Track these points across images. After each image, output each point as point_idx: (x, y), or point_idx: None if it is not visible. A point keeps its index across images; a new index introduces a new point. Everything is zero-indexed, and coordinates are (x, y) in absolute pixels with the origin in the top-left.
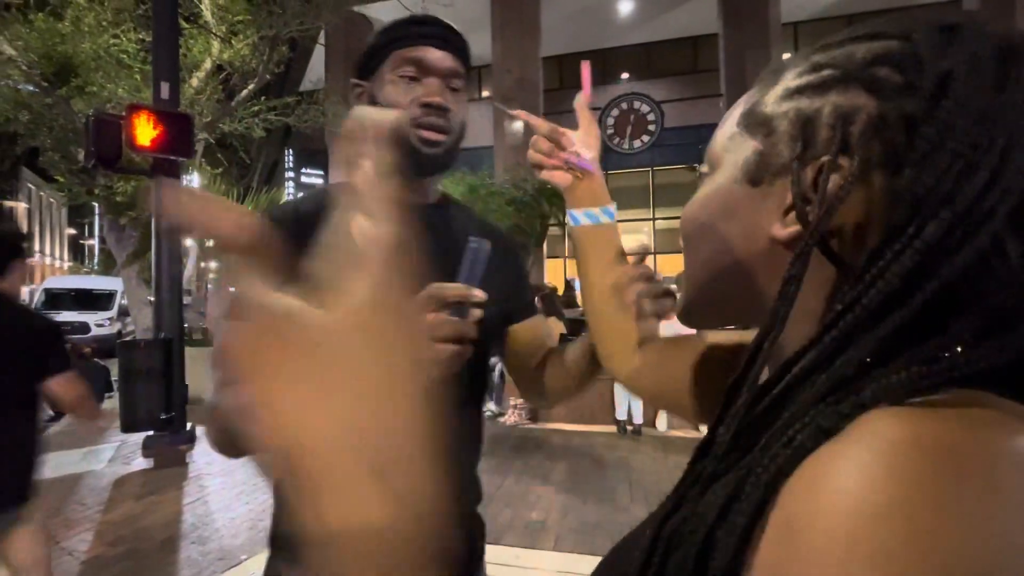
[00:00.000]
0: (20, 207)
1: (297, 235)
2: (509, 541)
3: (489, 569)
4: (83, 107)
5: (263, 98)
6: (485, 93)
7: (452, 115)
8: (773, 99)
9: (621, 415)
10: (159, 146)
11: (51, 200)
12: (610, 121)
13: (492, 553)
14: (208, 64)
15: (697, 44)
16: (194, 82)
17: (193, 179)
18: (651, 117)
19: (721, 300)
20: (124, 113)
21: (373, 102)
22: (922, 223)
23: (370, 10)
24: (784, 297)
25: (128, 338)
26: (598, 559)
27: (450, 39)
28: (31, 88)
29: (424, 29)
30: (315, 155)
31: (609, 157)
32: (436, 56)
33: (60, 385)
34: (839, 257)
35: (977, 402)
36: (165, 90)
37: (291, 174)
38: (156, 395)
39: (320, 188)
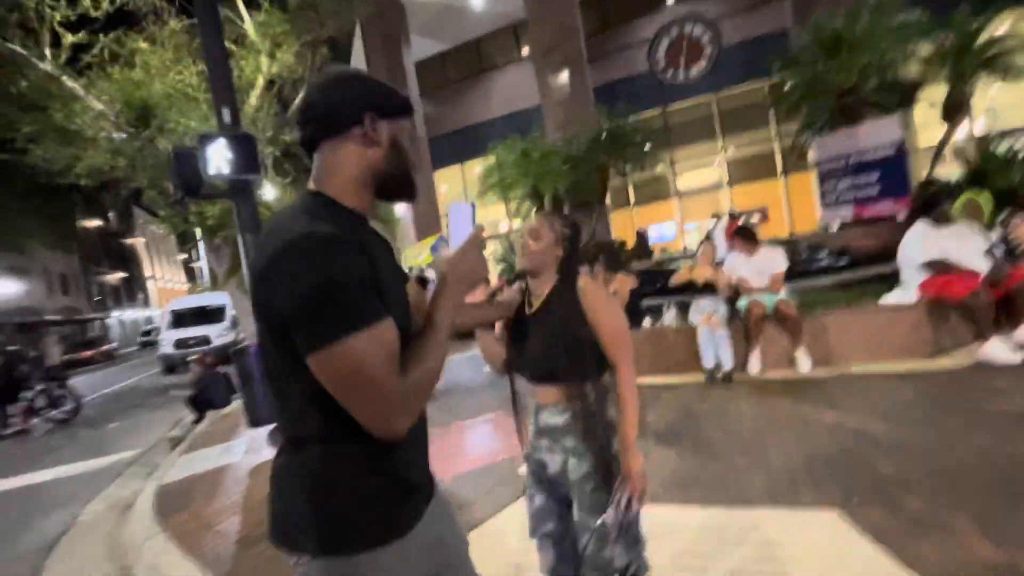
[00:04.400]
0: (139, 242)
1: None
2: None
3: None
4: (167, 144)
5: None
6: (525, 51)
7: None
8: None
9: (708, 363)
10: (230, 168)
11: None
12: (660, 54)
13: None
14: (261, 81)
15: None
16: (252, 100)
17: (266, 193)
18: (706, 39)
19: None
20: (197, 144)
21: (394, 142)
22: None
23: None
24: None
25: (241, 345)
26: (695, 511)
27: None
28: (122, 135)
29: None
30: None
31: (664, 91)
32: None
33: None
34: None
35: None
36: (226, 115)
37: None
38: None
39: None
